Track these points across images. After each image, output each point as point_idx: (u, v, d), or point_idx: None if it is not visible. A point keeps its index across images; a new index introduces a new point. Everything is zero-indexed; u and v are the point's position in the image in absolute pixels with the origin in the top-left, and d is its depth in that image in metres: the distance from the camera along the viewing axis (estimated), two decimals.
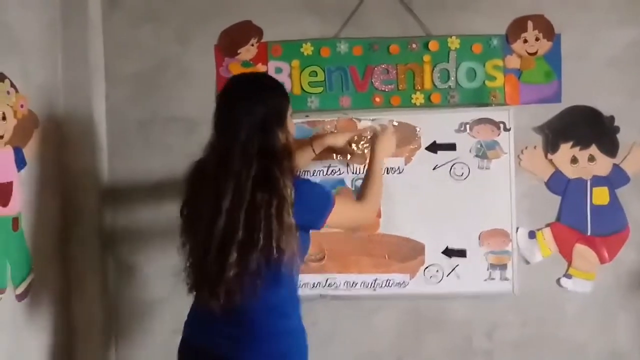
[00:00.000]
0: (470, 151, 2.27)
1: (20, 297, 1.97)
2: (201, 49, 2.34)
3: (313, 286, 2.28)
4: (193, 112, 2.34)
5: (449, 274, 2.27)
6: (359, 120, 2.28)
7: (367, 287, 2.28)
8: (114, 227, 2.37)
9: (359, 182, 2.26)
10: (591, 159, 2.28)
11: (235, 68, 2.33)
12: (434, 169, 2.28)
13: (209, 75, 2.34)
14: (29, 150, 2.02)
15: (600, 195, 2.28)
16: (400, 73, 2.30)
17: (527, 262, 2.30)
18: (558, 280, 2.30)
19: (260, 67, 2.32)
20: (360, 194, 1.92)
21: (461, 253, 2.27)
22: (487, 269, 2.27)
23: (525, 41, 2.29)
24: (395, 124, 2.24)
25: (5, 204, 1.89)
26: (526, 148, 2.29)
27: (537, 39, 2.28)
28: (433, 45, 2.29)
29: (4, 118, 1.87)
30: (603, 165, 2.28)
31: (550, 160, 2.29)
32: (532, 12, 2.28)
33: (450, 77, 2.30)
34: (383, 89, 2.31)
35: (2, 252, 1.87)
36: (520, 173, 2.28)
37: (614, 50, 2.28)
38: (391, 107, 2.31)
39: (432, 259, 2.27)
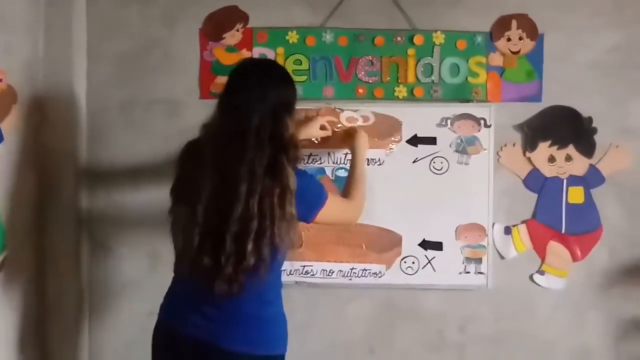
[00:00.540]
0: (450, 146, 2.29)
1: None
2: (186, 32, 2.33)
3: (289, 273, 2.28)
4: (175, 95, 2.33)
5: (424, 266, 2.30)
6: (342, 110, 2.28)
7: (343, 276, 2.29)
8: (91, 207, 2.35)
9: (339, 172, 2.28)
10: (568, 158, 2.31)
11: (219, 53, 2.32)
12: (414, 162, 2.29)
13: (192, 59, 2.33)
14: (7, 126, 1.99)
15: (575, 195, 2.32)
16: (385, 65, 2.31)
17: (502, 257, 2.33)
18: (531, 276, 2.34)
19: (245, 53, 2.32)
20: (346, 193, 1.93)
21: (437, 246, 2.29)
22: (463, 263, 2.29)
23: (509, 40, 2.31)
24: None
25: None
26: (505, 145, 2.31)
27: (520, 38, 2.31)
28: (418, 40, 2.30)
29: None
30: (579, 165, 2.31)
31: (529, 158, 2.32)
32: (517, 11, 2.30)
33: (434, 72, 2.31)
34: (367, 80, 2.32)
35: None
36: (499, 169, 2.31)
37: (595, 53, 2.31)
38: (374, 99, 2.32)
39: (409, 250, 2.29)
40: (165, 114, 2.33)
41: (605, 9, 2.30)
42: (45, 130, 2.22)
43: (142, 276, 2.34)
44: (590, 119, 2.30)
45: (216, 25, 2.32)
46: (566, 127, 2.31)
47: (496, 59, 2.31)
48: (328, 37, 2.31)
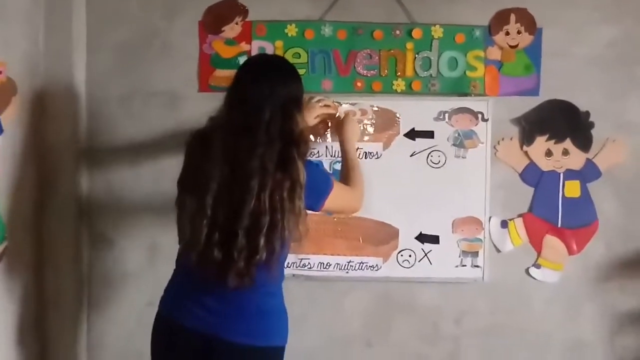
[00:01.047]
0: (447, 139, 2.30)
1: None
2: (186, 25, 2.33)
3: (287, 266, 2.28)
4: (174, 88, 2.34)
5: (421, 259, 2.31)
6: (340, 104, 2.29)
7: (340, 269, 2.31)
8: (91, 199, 2.37)
9: (337, 166, 2.28)
10: (565, 152, 2.32)
11: (218, 46, 2.32)
12: (411, 155, 2.30)
13: (192, 52, 2.33)
14: (6, 118, 2.00)
15: (572, 189, 2.33)
16: (383, 59, 2.31)
17: (498, 251, 2.34)
18: (527, 270, 2.35)
19: (244, 46, 2.32)
20: (346, 181, 1.95)
21: (434, 239, 2.31)
22: (459, 256, 2.31)
23: (507, 34, 2.31)
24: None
25: None
26: (502, 139, 2.32)
27: (519, 32, 2.31)
28: (416, 33, 2.31)
29: None
30: (576, 159, 2.32)
31: (526, 152, 2.33)
32: (516, 5, 2.30)
33: (432, 66, 2.31)
34: (365, 74, 2.32)
35: None
36: (496, 163, 2.32)
37: (594, 47, 2.31)
38: (372, 93, 2.32)
39: (406, 244, 2.31)
40: (164, 106, 2.34)
41: (604, 4, 2.31)
42: (45, 121, 2.23)
43: (141, 268, 2.36)
44: (587, 114, 2.31)
45: (216, 18, 2.33)
46: (563, 122, 2.32)
47: (494, 53, 2.32)
48: (327, 31, 2.32)
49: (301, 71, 2.27)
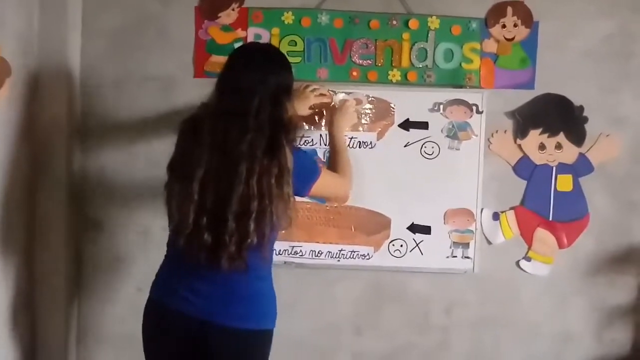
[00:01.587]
0: (442, 131, 2.30)
1: None
2: (182, 10, 2.32)
3: (278, 253, 2.30)
4: (169, 73, 2.33)
5: (412, 249, 2.32)
6: (335, 92, 2.29)
7: (331, 257, 2.32)
8: (83, 181, 2.36)
9: None
10: (558, 146, 2.33)
11: (214, 32, 2.32)
12: (405, 146, 2.31)
13: (187, 37, 2.32)
14: (0, 98, 2.00)
15: (564, 183, 2.34)
16: (379, 49, 2.31)
17: (489, 243, 2.35)
18: (517, 262, 2.37)
19: (240, 33, 2.31)
20: (334, 168, 1.96)
21: (426, 229, 2.32)
22: (450, 247, 2.32)
23: (504, 26, 2.31)
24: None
25: None
26: (496, 132, 2.33)
27: (515, 25, 2.31)
28: (413, 24, 2.31)
29: None
30: (569, 153, 2.33)
31: (519, 145, 2.33)
32: None
33: (428, 57, 2.31)
34: (361, 63, 2.32)
35: None
36: (489, 156, 2.32)
37: (589, 41, 2.32)
38: (368, 82, 2.32)
39: (397, 233, 2.32)
40: (159, 91, 2.33)
41: None
42: (39, 103, 2.23)
43: (132, 252, 2.36)
44: (581, 108, 2.32)
45: (212, 4, 2.32)
46: (557, 115, 2.32)
47: (490, 46, 2.32)
48: (324, 19, 2.31)
49: (297, 59, 2.30)
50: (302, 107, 2.10)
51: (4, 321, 2.13)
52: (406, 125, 2.31)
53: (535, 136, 2.33)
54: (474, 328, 2.40)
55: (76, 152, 2.34)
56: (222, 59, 2.26)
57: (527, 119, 2.32)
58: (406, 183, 2.31)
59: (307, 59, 2.32)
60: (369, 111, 2.30)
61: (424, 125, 2.30)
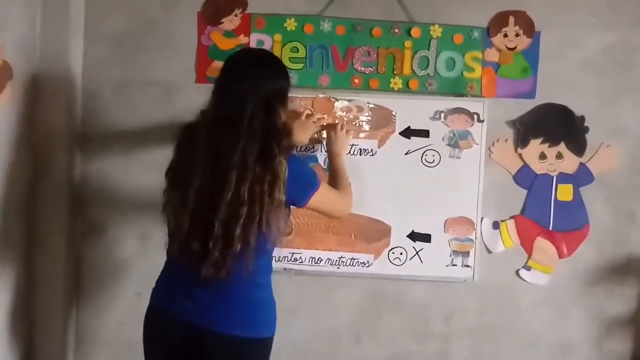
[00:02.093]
0: (443, 139, 2.31)
1: None
2: (184, 15, 2.32)
3: (278, 260, 2.30)
4: (171, 78, 2.33)
5: (412, 257, 2.32)
6: (337, 99, 2.29)
7: (331, 264, 2.31)
8: (84, 187, 2.36)
9: None
10: (559, 156, 2.33)
11: (216, 37, 2.32)
12: (406, 153, 2.31)
13: (190, 43, 2.32)
14: (1, 102, 1.99)
15: (564, 192, 2.34)
16: (381, 56, 2.32)
17: (489, 252, 2.35)
18: (517, 271, 2.37)
19: (243, 39, 2.32)
20: (335, 187, 1.95)
21: (426, 238, 2.31)
22: (450, 255, 2.32)
23: (506, 36, 2.32)
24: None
25: None
26: (497, 141, 2.33)
27: (517, 35, 2.32)
28: (415, 32, 2.31)
29: None
30: (570, 163, 2.34)
31: (520, 155, 2.34)
32: (515, 8, 2.31)
33: (430, 65, 2.32)
34: (363, 70, 2.32)
35: None
36: (490, 165, 2.33)
37: (590, 52, 2.33)
38: (369, 90, 2.32)
39: (398, 241, 2.32)
40: (161, 96, 2.33)
41: (602, 8, 2.32)
42: (40, 107, 2.22)
43: (132, 257, 2.35)
44: (582, 118, 2.32)
45: (215, 10, 2.32)
46: (558, 125, 2.33)
47: (492, 55, 2.32)
48: (326, 26, 2.32)
49: (299, 66, 2.31)
50: (303, 137, 2.13)
51: (2, 326, 2.12)
52: (407, 133, 2.31)
53: (536, 145, 2.33)
54: (474, 337, 2.40)
55: (77, 156, 2.34)
56: None
57: (528, 128, 2.33)
58: (407, 191, 2.31)
59: (309, 66, 2.32)
60: (366, 119, 2.30)
61: (425, 134, 2.31)
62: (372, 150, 2.31)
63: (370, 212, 2.31)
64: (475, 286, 2.35)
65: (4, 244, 2.08)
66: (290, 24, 2.31)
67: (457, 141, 2.30)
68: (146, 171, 2.29)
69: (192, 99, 2.26)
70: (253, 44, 2.31)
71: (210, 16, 2.32)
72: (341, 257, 2.31)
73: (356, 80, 2.33)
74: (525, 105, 2.33)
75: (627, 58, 2.32)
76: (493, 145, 2.33)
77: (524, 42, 2.32)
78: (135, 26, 2.33)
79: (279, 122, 1.66)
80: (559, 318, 2.38)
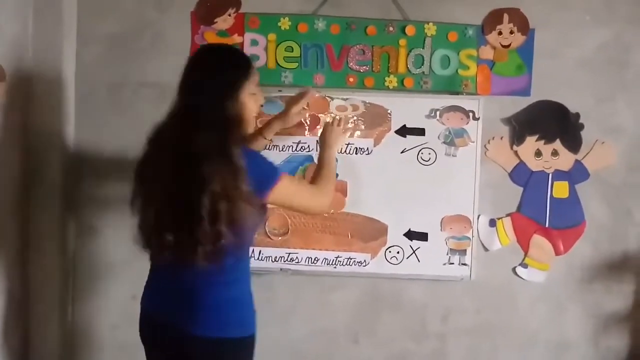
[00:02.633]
0: (438, 137, 2.30)
1: None
2: (178, 15, 2.31)
3: (274, 260, 2.29)
4: (165, 79, 2.27)
5: (409, 256, 2.31)
6: (332, 98, 2.29)
7: (328, 264, 2.30)
8: (77, 189, 2.34)
9: None
10: (554, 153, 2.33)
11: (210, 37, 2.31)
12: (402, 152, 2.30)
13: (183, 42, 2.32)
14: None
15: (560, 189, 2.34)
16: (376, 55, 2.31)
17: (486, 249, 2.35)
18: (514, 269, 2.36)
19: (236, 38, 2.31)
20: (312, 181, 1.89)
21: (423, 236, 2.31)
22: (447, 254, 2.31)
23: (500, 33, 2.32)
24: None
25: None
26: (493, 138, 2.33)
27: (511, 32, 2.32)
28: (410, 30, 2.31)
29: None
30: (565, 160, 2.34)
31: (515, 152, 2.34)
32: (509, 5, 2.31)
33: (425, 63, 2.32)
34: (357, 69, 2.32)
35: None
36: (486, 162, 2.32)
37: (585, 49, 2.33)
38: (364, 88, 2.32)
39: (394, 240, 2.31)
40: (155, 96, 2.31)
41: (595, 7, 2.32)
42: (33, 109, 2.21)
43: (127, 259, 2.33)
44: (577, 115, 2.32)
45: (208, 9, 2.31)
46: (553, 122, 2.33)
47: (487, 52, 2.32)
48: (320, 25, 2.31)
49: (293, 65, 2.30)
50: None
51: None
52: (403, 131, 2.30)
53: (531, 143, 2.33)
54: (471, 335, 2.39)
55: (70, 158, 2.32)
56: None
57: (523, 125, 2.33)
58: (403, 189, 2.30)
59: (303, 65, 2.32)
60: (362, 117, 2.30)
61: (420, 132, 2.30)
62: (367, 149, 2.30)
63: (366, 211, 2.30)
64: (472, 284, 2.34)
65: None
66: (285, 23, 2.30)
67: (452, 139, 2.30)
68: None
69: None
70: (247, 44, 2.30)
71: (204, 16, 2.31)
72: (338, 257, 2.30)
73: (351, 79, 2.32)
74: (521, 103, 2.33)
75: (622, 55, 2.33)
76: (489, 142, 2.33)
77: (518, 39, 2.32)
78: (128, 27, 2.32)
79: (226, 115, 1.61)
80: (556, 315, 2.38)
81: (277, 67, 2.31)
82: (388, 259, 2.31)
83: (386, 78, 2.32)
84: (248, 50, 2.30)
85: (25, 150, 2.19)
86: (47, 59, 2.23)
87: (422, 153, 2.30)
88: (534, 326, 2.39)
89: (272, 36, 2.31)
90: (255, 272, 2.29)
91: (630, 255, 2.36)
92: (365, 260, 2.31)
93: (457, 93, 2.32)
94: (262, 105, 1.81)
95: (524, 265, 2.36)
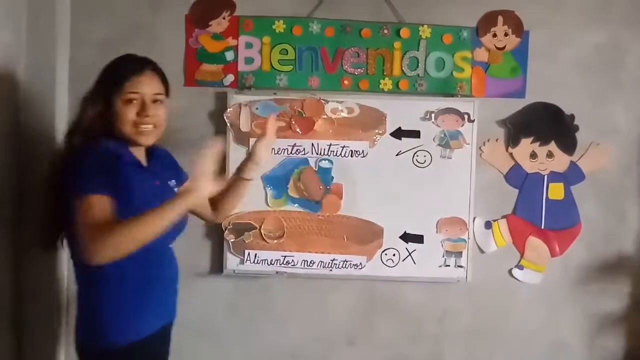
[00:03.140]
0: (433, 140, 2.30)
1: None
2: (172, 18, 2.31)
3: (270, 263, 2.28)
4: None
5: (405, 258, 2.31)
6: (326, 101, 2.28)
7: (324, 267, 2.30)
8: None
9: (322, 163, 2.29)
10: (550, 155, 2.34)
11: (204, 40, 2.31)
12: (397, 154, 2.30)
13: (178, 46, 2.31)
14: None
15: (555, 191, 2.34)
16: (371, 57, 2.31)
17: (482, 251, 2.35)
18: (510, 271, 2.37)
19: (231, 41, 2.31)
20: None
21: (418, 239, 2.31)
22: (443, 256, 2.31)
23: (495, 35, 2.32)
24: None
25: None
26: (488, 140, 2.33)
27: (506, 34, 2.32)
28: (404, 33, 2.31)
29: None
30: (561, 161, 2.34)
31: (511, 154, 2.34)
32: (504, 7, 2.31)
33: (419, 66, 2.32)
34: (352, 72, 2.32)
35: None
36: (481, 164, 2.33)
37: (579, 51, 2.33)
38: (359, 91, 2.32)
39: (390, 242, 2.31)
40: None
41: (591, 7, 2.33)
42: (26, 114, 2.19)
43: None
44: (572, 117, 2.33)
45: (203, 12, 2.31)
46: (548, 124, 2.33)
47: (481, 54, 2.33)
48: (315, 28, 2.31)
49: (288, 68, 2.30)
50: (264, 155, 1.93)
51: None
52: (398, 134, 2.30)
53: (526, 145, 2.33)
54: (467, 337, 2.39)
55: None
56: (212, 67, 2.31)
57: (518, 127, 2.33)
58: (398, 192, 2.30)
59: (298, 68, 2.31)
60: (356, 120, 2.29)
61: (415, 134, 2.30)
62: (363, 151, 2.30)
63: (362, 214, 2.30)
64: (468, 286, 2.34)
65: None
66: (279, 26, 2.30)
67: (448, 141, 2.30)
68: None
69: (181, 102, 2.25)
70: (242, 47, 2.30)
71: (198, 19, 2.31)
72: (334, 260, 2.30)
73: (346, 82, 2.32)
74: (516, 105, 2.33)
75: (617, 57, 2.33)
76: (484, 145, 2.33)
77: (513, 41, 2.32)
78: (122, 30, 2.31)
79: (76, 120, 1.68)
80: (552, 317, 2.39)
81: (271, 70, 2.31)
82: (384, 261, 2.31)
83: (381, 80, 2.32)
84: (243, 53, 2.30)
85: (18, 155, 2.18)
86: (41, 63, 2.21)
87: (417, 155, 2.30)
88: (530, 327, 2.39)
89: (266, 39, 2.30)
90: (251, 275, 2.31)
91: (625, 256, 2.36)
92: (361, 263, 2.30)
93: (452, 95, 2.32)
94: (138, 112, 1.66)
95: (519, 266, 2.36)
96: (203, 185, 1.51)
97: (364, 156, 2.30)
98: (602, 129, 2.34)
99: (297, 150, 2.29)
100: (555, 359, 2.40)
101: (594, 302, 2.38)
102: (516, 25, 2.31)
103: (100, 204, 1.48)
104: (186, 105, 2.27)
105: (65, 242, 1.68)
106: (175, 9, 2.30)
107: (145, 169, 1.70)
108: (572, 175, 2.34)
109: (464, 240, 2.31)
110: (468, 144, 2.30)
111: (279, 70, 2.31)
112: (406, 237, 2.31)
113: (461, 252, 2.32)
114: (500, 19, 2.31)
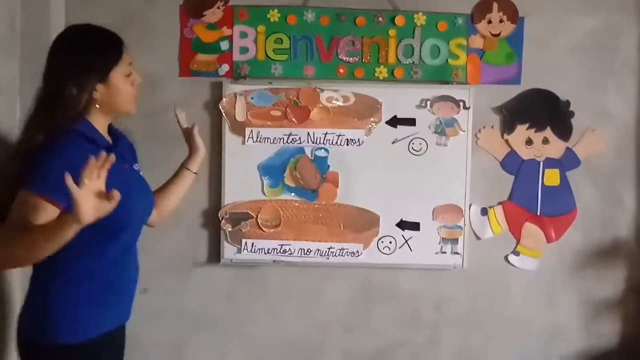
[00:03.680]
0: (429, 127, 2.30)
1: None
2: (167, 8, 2.31)
3: (267, 252, 2.29)
4: (154, 72, 2.30)
5: (401, 246, 2.32)
6: (322, 90, 2.28)
7: (320, 255, 2.31)
8: None
9: (318, 152, 2.29)
10: (545, 141, 2.34)
11: (199, 30, 2.30)
12: (393, 142, 2.31)
13: (172, 35, 2.31)
14: None
15: (551, 177, 2.35)
16: (366, 46, 2.31)
17: (478, 238, 2.36)
18: (506, 257, 2.38)
19: (226, 31, 2.30)
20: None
21: (415, 226, 2.32)
22: (439, 243, 2.32)
23: (490, 22, 2.32)
24: None
25: None
26: (484, 127, 2.34)
27: (501, 21, 2.32)
28: (399, 20, 2.30)
29: None
30: (556, 148, 2.34)
31: (506, 141, 2.34)
32: None
33: (415, 53, 2.32)
34: (347, 60, 2.31)
35: None
36: (477, 151, 2.33)
37: (574, 37, 2.33)
38: (354, 79, 2.32)
39: (386, 230, 2.32)
40: (144, 90, 2.25)
41: None
42: (21, 106, 2.19)
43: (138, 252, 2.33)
44: (567, 103, 2.33)
45: (197, 2, 2.31)
46: (544, 110, 2.34)
47: (476, 41, 2.32)
48: (309, 16, 2.30)
49: (283, 57, 2.30)
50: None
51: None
52: (394, 122, 2.31)
53: (522, 131, 2.34)
54: (464, 323, 2.41)
55: None
56: (207, 57, 2.31)
57: (514, 114, 2.33)
58: (394, 180, 2.31)
59: (293, 57, 2.31)
60: (352, 108, 2.29)
61: (411, 122, 2.31)
62: (358, 140, 2.30)
63: (358, 202, 2.31)
64: (465, 273, 2.35)
65: None
66: (274, 15, 2.30)
67: (443, 129, 2.30)
68: None
69: (176, 92, 2.26)
70: (236, 36, 2.30)
71: (193, 9, 2.31)
72: (330, 248, 2.31)
73: (341, 70, 2.32)
74: (511, 91, 2.34)
75: (612, 42, 2.33)
76: (479, 132, 2.33)
77: (508, 28, 2.32)
78: (117, 21, 2.27)
79: (40, 97, 1.62)
80: (548, 302, 2.40)
81: (266, 59, 2.31)
82: (380, 249, 2.32)
83: (376, 69, 2.32)
84: (237, 42, 2.30)
85: (14, 147, 2.18)
86: (36, 56, 2.19)
87: (413, 143, 2.31)
88: (526, 313, 2.40)
89: (261, 28, 2.30)
90: (248, 264, 2.32)
91: (621, 241, 2.38)
92: (357, 251, 2.31)
93: (448, 83, 2.32)
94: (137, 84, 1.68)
95: (516, 253, 2.37)
96: (86, 211, 1.28)
97: (359, 144, 2.30)
98: (597, 115, 2.34)
99: (292, 139, 2.29)
100: (552, 344, 2.41)
101: (590, 287, 2.39)
102: (511, 11, 2.31)
103: (35, 208, 1.38)
104: (181, 95, 2.27)
105: None
106: None
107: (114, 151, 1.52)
108: (568, 161, 2.35)
109: (460, 227, 2.32)
110: (464, 131, 2.30)
111: (274, 60, 2.31)
112: (402, 225, 2.32)
113: (457, 239, 2.32)
114: (495, 5, 2.31)
